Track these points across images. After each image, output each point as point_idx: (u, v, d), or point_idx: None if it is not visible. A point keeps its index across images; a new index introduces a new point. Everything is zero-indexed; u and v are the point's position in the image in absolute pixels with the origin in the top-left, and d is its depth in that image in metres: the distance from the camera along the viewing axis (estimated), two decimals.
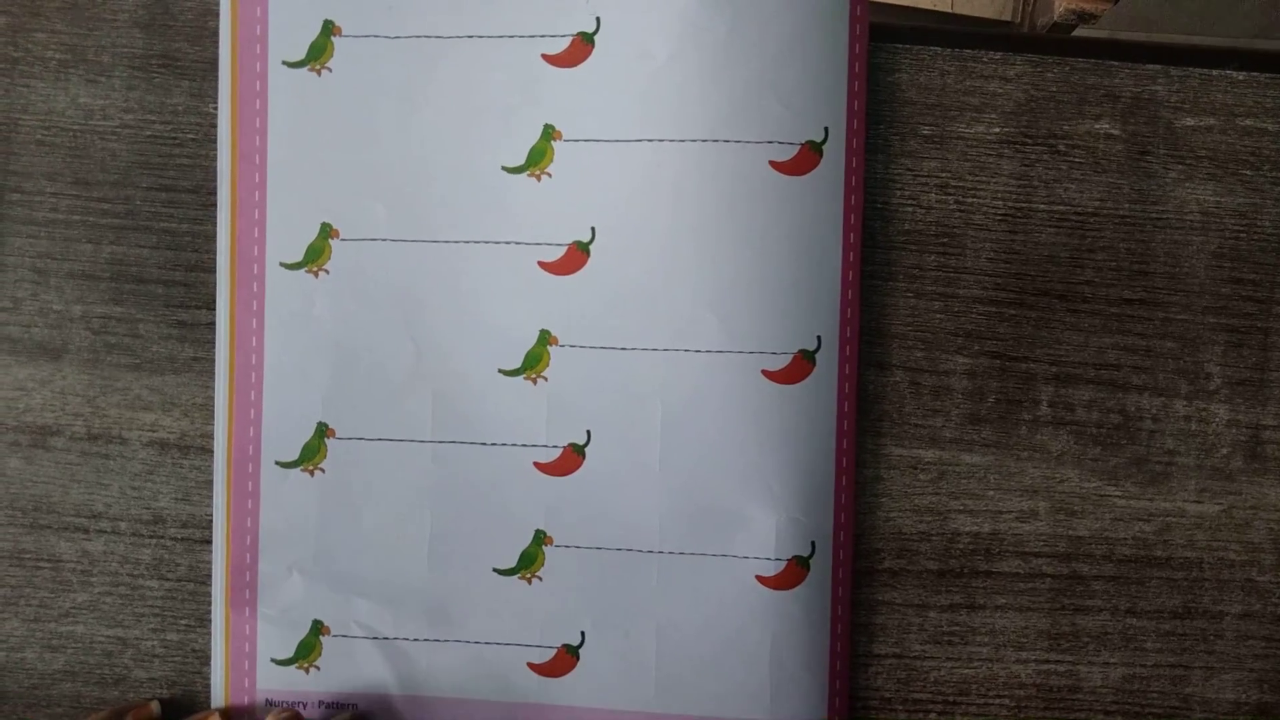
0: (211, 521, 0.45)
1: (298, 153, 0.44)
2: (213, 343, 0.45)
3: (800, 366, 0.43)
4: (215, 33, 0.45)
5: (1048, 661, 0.45)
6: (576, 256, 0.44)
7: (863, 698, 0.45)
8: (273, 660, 0.45)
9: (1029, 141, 0.44)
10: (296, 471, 0.45)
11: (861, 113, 0.43)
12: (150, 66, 0.45)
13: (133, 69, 0.45)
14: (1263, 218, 0.44)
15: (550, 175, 0.44)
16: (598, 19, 0.43)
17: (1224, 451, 0.44)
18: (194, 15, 0.45)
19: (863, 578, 0.45)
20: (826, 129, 0.43)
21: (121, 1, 0.45)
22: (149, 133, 0.45)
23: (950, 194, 0.44)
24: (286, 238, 0.44)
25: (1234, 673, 0.45)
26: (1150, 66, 0.44)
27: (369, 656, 0.45)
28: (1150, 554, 0.44)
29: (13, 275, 0.45)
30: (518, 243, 0.44)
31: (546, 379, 0.44)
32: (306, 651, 0.45)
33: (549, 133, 0.44)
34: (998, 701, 0.45)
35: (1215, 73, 0.44)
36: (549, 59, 0.44)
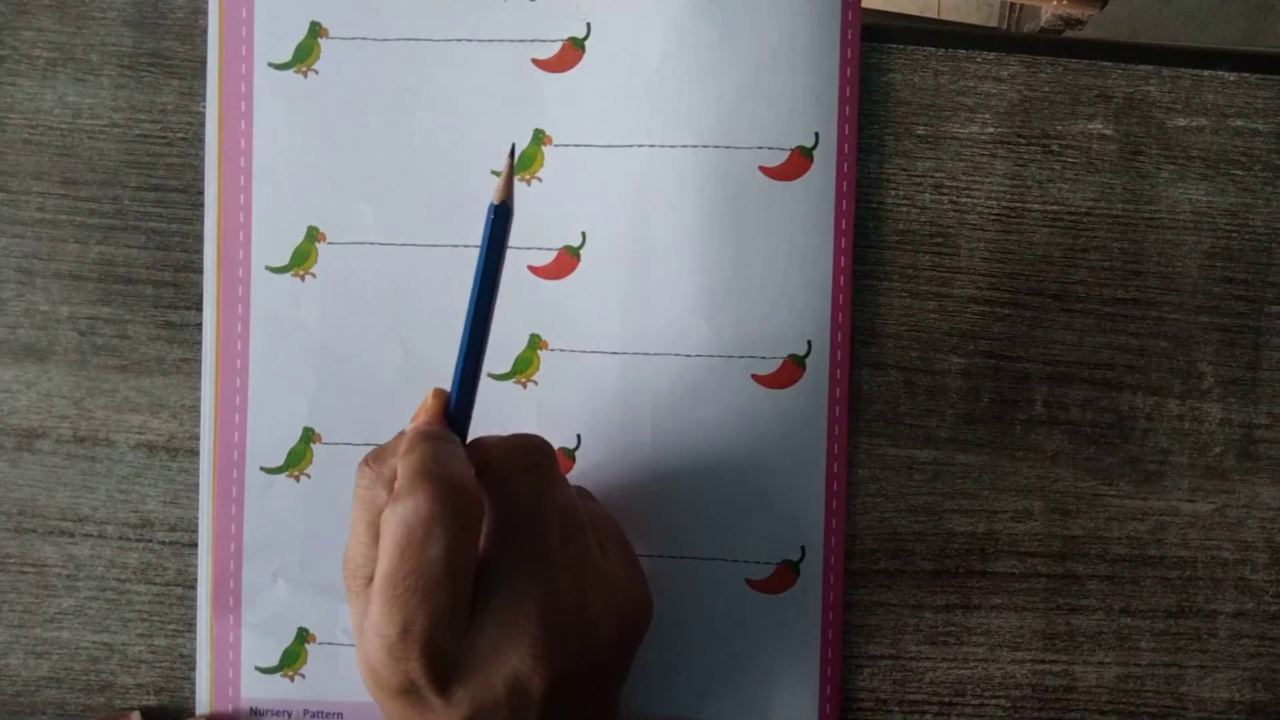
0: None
1: (284, 156, 0.44)
2: (201, 344, 0.45)
3: (790, 371, 0.43)
4: (205, 31, 0.44)
5: (1043, 661, 0.45)
6: (567, 261, 0.44)
7: (858, 699, 0.45)
8: (257, 668, 0.45)
9: (1023, 142, 0.44)
10: (281, 477, 0.44)
11: (853, 118, 0.43)
12: (139, 65, 0.45)
13: (122, 67, 0.45)
14: (1254, 217, 0.44)
15: (540, 180, 0.44)
16: (588, 24, 0.43)
17: (1217, 450, 0.44)
18: (184, 14, 0.45)
19: (858, 578, 0.44)
20: (817, 134, 0.43)
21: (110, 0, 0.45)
22: (138, 132, 0.45)
23: (944, 194, 0.44)
24: (272, 241, 0.44)
25: (1228, 671, 0.45)
26: (1142, 67, 0.44)
27: (354, 664, 0.44)
28: (1144, 553, 0.44)
29: None
30: (508, 247, 0.44)
31: (536, 383, 0.44)
32: (291, 659, 0.45)
33: (539, 137, 0.44)
34: (993, 702, 0.45)
35: (1207, 73, 0.44)
36: (539, 64, 0.44)
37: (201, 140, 0.45)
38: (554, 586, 0.34)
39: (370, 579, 0.33)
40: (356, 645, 0.34)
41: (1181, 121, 0.44)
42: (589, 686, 0.35)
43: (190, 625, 0.45)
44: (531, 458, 0.36)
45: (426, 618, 0.31)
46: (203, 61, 0.45)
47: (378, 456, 0.36)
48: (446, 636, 0.32)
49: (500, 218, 0.37)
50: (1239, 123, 0.44)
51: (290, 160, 0.44)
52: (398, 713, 0.33)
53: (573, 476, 0.44)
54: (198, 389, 0.45)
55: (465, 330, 0.36)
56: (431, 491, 0.31)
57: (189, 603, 0.45)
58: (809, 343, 0.43)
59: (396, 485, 0.33)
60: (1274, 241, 0.44)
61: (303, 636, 0.45)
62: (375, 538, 0.33)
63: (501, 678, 0.32)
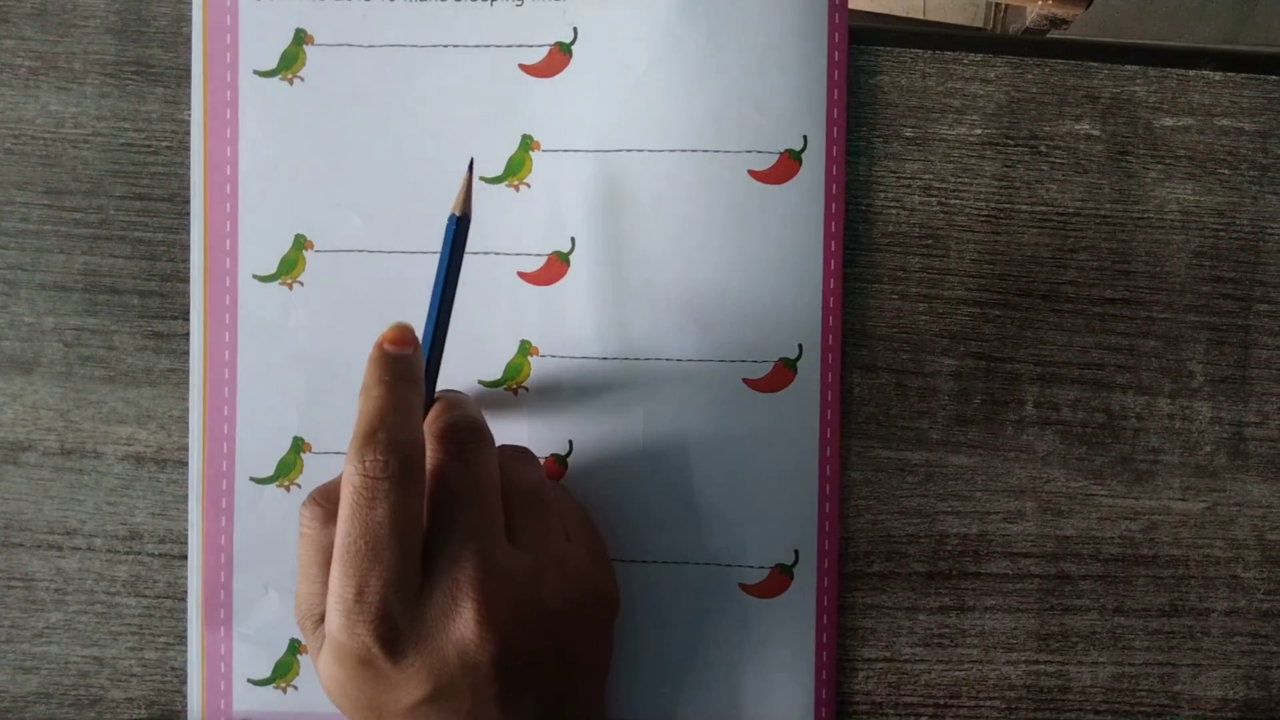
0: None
1: (270, 163, 0.44)
2: (189, 354, 0.44)
3: (781, 375, 0.43)
4: (190, 39, 0.44)
5: (1037, 662, 0.45)
6: (556, 267, 0.43)
7: (854, 702, 0.45)
8: (249, 680, 0.44)
9: (1010, 143, 0.44)
10: (271, 488, 0.44)
11: (841, 120, 0.43)
12: (123, 73, 0.44)
13: (105, 76, 0.44)
14: (1241, 216, 0.44)
15: (529, 185, 0.43)
16: (575, 29, 0.43)
17: (1207, 449, 0.45)
18: (168, 21, 0.44)
19: (852, 581, 0.44)
20: (805, 137, 0.43)
21: (93, 7, 0.44)
22: (122, 140, 0.44)
23: (933, 196, 0.44)
24: (259, 250, 0.44)
25: (1221, 669, 0.45)
26: (1129, 67, 0.44)
27: None
28: (1137, 552, 0.45)
29: None
30: (497, 253, 0.43)
31: (527, 389, 0.44)
32: (284, 671, 0.44)
33: (527, 143, 0.43)
34: (988, 703, 0.45)
35: (1192, 73, 0.44)
36: (526, 69, 0.43)
37: (187, 149, 0.44)
38: (501, 556, 0.35)
39: (322, 618, 0.35)
40: (316, 669, 0.35)
41: (1168, 121, 0.44)
42: (545, 668, 0.36)
43: (181, 638, 0.45)
44: (475, 434, 0.36)
45: (379, 578, 0.32)
46: (187, 69, 0.44)
47: (325, 493, 0.37)
48: (398, 598, 0.33)
49: (460, 229, 0.39)
50: (1225, 122, 0.44)
51: (277, 168, 0.44)
52: (359, 690, 0.34)
53: (565, 482, 0.44)
54: (185, 399, 0.45)
55: (425, 336, 0.38)
56: (376, 455, 0.33)
57: (179, 615, 0.45)
58: (800, 346, 0.43)
59: (350, 443, 0.34)
60: (1261, 240, 0.44)
61: (295, 648, 0.44)
62: (326, 577, 0.34)
63: (452, 645, 0.33)
